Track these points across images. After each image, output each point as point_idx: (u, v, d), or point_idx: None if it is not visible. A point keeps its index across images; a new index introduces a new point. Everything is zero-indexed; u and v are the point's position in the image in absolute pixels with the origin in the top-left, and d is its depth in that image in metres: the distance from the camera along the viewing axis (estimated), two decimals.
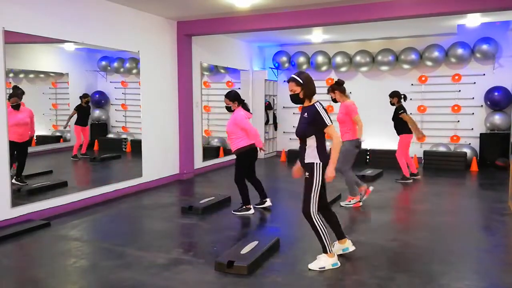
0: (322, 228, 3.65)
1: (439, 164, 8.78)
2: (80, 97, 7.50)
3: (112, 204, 6.03)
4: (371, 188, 5.97)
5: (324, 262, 3.69)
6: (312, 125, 3.62)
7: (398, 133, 7.48)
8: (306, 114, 3.66)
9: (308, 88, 3.65)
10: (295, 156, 10.04)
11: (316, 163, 3.62)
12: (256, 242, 4.01)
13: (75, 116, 7.40)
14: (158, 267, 3.75)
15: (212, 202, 5.76)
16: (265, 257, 3.85)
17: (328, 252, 3.68)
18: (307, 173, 3.67)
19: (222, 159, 9.41)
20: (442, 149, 9.16)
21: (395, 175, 8.16)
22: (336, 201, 6.06)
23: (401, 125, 7.38)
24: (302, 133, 3.69)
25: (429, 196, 6.71)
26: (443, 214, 5.51)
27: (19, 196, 5.40)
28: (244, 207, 5.54)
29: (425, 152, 9.10)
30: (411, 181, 7.56)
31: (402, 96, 7.48)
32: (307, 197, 3.65)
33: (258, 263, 3.71)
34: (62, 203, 5.60)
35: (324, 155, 3.65)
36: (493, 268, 3.78)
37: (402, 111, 7.33)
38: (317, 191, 3.62)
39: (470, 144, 9.18)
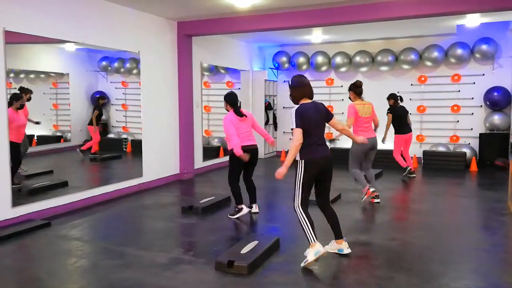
0: (304, 221, 3.78)
1: (439, 164, 8.79)
2: (98, 98, 7.57)
3: (112, 204, 6.04)
4: (371, 189, 5.97)
5: (308, 254, 3.73)
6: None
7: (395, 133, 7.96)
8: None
9: (295, 91, 3.90)
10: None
11: (298, 161, 3.80)
12: (256, 242, 4.03)
13: (87, 116, 7.62)
14: (158, 266, 3.76)
15: (212, 202, 5.77)
16: (265, 257, 3.86)
17: (311, 243, 3.74)
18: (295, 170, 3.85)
19: (222, 159, 9.42)
20: (441, 149, 9.17)
21: (395, 175, 8.17)
22: (337, 201, 6.08)
23: (395, 126, 7.88)
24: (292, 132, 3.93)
25: (428, 196, 6.73)
26: (443, 214, 5.53)
27: (19, 196, 5.41)
28: (236, 208, 5.38)
29: (424, 152, 9.11)
30: (414, 175, 7.96)
31: (398, 97, 7.92)
32: (293, 191, 3.86)
33: (258, 263, 3.72)
34: (63, 203, 5.61)
35: (306, 154, 3.77)
36: (493, 268, 3.79)
37: (388, 111, 7.87)
38: (299, 187, 3.79)
39: (469, 144, 9.19)
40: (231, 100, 5.30)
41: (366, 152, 5.97)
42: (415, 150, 9.50)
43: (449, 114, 9.36)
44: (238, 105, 5.36)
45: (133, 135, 8.25)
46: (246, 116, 5.28)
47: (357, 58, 9.79)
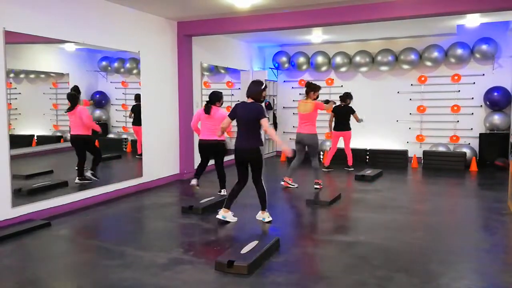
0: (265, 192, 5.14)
1: (439, 164, 8.79)
2: (136, 99, 7.62)
3: (112, 204, 6.04)
4: (295, 185, 7.02)
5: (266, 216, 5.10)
6: None
7: (345, 129, 8.44)
8: None
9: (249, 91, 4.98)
10: (293, 155, 10.07)
11: (260, 148, 4.97)
12: (256, 242, 4.02)
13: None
14: (158, 266, 3.76)
15: (212, 202, 5.77)
16: (265, 257, 3.86)
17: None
18: None
19: None
20: (441, 149, 9.17)
21: (395, 174, 8.18)
22: (337, 201, 6.08)
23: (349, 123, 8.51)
24: None
25: (428, 196, 6.73)
26: (443, 214, 5.53)
27: (19, 196, 5.41)
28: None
29: (424, 152, 9.10)
30: (353, 169, 8.58)
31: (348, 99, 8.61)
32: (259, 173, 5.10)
33: (258, 263, 3.72)
34: (63, 203, 5.61)
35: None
36: (493, 268, 3.79)
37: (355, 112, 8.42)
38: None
39: (469, 144, 9.19)
40: (209, 98, 6.35)
41: (301, 145, 6.93)
42: (415, 150, 9.50)
43: (449, 114, 9.35)
44: (218, 104, 6.41)
45: (133, 135, 8.24)
46: (210, 115, 6.22)
47: (357, 58, 9.78)
